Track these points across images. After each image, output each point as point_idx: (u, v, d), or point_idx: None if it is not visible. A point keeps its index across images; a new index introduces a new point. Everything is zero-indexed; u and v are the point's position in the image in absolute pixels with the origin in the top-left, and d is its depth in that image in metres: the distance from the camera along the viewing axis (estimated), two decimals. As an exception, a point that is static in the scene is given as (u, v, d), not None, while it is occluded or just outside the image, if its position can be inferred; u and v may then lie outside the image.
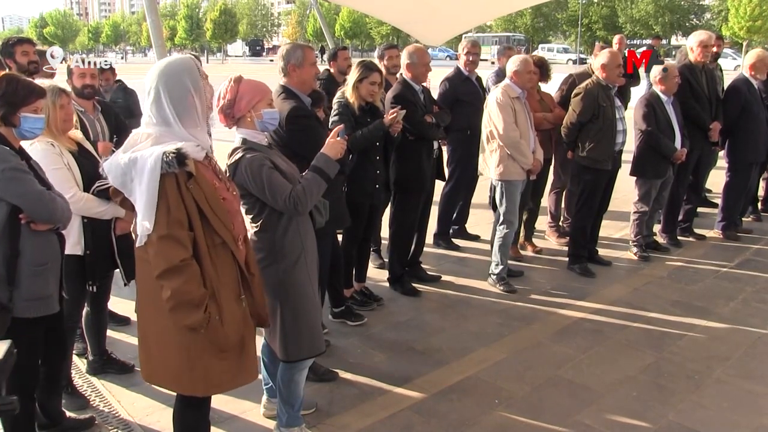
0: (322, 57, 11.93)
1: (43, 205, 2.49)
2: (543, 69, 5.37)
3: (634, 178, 5.57)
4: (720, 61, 7.10)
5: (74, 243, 3.07)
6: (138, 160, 2.11)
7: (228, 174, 2.63)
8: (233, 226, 2.31)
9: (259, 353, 3.16)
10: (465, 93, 5.49)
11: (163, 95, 2.18)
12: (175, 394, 2.42)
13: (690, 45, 5.77)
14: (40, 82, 2.89)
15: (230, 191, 2.37)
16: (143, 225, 2.14)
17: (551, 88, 5.83)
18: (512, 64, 4.78)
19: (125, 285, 3.19)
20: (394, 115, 4.04)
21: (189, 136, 2.20)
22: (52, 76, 4.18)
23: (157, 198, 2.10)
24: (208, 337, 2.21)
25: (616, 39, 8.63)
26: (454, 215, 6.02)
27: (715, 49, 6.13)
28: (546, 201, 6.65)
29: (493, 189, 5.11)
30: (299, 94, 3.44)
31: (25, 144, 2.68)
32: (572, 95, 5.23)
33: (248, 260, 2.42)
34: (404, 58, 4.67)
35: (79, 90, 3.72)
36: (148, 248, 2.16)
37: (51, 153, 2.89)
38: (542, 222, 6.28)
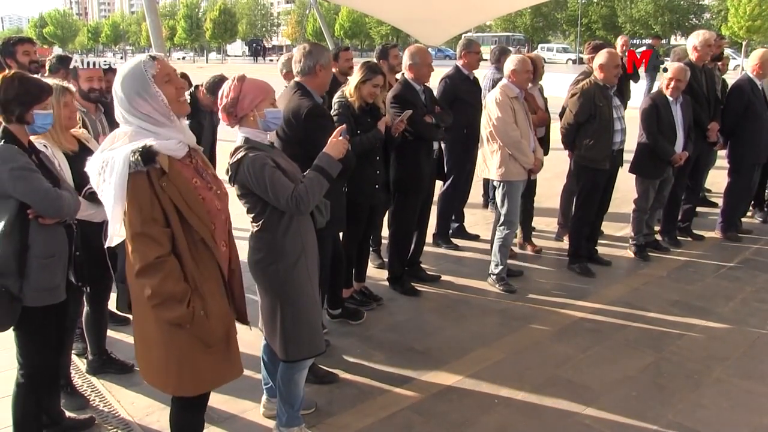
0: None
1: (50, 201, 2.54)
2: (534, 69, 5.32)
3: (635, 177, 5.57)
4: (721, 61, 7.06)
5: None
6: (110, 160, 2.10)
7: (229, 173, 2.63)
8: (215, 226, 2.27)
9: (260, 353, 3.18)
10: (465, 91, 5.49)
11: (119, 97, 2.16)
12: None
13: (691, 44, 5.75)
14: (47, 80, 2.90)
15: (213, 190, 2.31)
16: (113, 226, 2.15)
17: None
18: (510, 63, 4.78)
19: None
20: (389, 119, 4.06)
21: (166, 132, 2.17)
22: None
23: (127, 197, 2.09)
24: (194, 332, 2.20)
25: (620, 40, 8.55)
26: (453, 215, 6.01)
27: (718, 49, 6.11)
28: (546, 202, 6.66)
29: (493, 189, 5.09)
30: (314, 93, 3.50)
31: None
32: (569, 95, 5.22)
33: (231, 256, 2.40)
34: (406, 59, 4.66)
35: (84, 93, 3.67)
36: (126, 247, 2.17)
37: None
38: (541, 222, 6.29)
